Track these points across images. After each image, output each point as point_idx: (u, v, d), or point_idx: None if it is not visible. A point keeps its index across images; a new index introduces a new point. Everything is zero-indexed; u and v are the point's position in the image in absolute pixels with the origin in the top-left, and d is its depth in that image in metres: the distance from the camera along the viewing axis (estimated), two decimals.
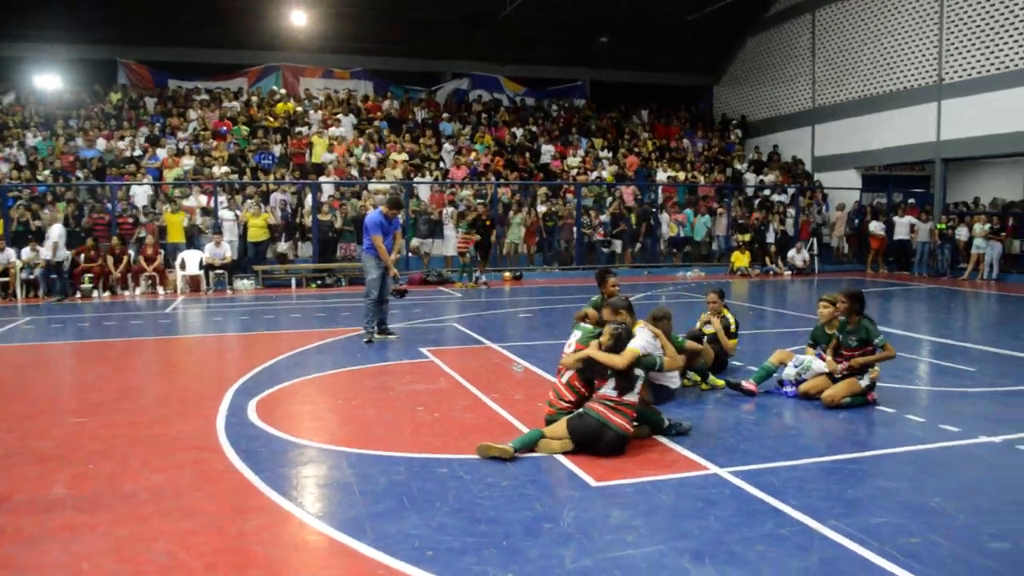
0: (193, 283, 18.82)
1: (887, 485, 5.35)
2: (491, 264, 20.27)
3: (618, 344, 6.07)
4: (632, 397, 6.00)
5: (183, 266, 18.81)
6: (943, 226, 22.76)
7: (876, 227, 23.95)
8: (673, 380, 7.12)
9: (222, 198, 20.68)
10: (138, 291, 18.28)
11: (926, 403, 7.67)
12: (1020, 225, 22.17)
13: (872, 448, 6.19)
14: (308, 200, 21.29)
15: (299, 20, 26.39)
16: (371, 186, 22.44)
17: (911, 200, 25.45)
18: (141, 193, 20.75)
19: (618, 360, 5.95)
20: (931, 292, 18.60)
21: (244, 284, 19.25)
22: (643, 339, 6.24)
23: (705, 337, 9.00)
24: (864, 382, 7.47)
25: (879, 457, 5.97)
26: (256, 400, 7.64)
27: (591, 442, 5.82)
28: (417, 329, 12.38)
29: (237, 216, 20.26)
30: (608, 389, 5.97)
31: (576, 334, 6.92)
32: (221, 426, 6.75)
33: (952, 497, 5.14)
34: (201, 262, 18.88)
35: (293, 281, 19.71)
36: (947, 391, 8.20)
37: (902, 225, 23.66)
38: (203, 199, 20.68)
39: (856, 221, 25.36)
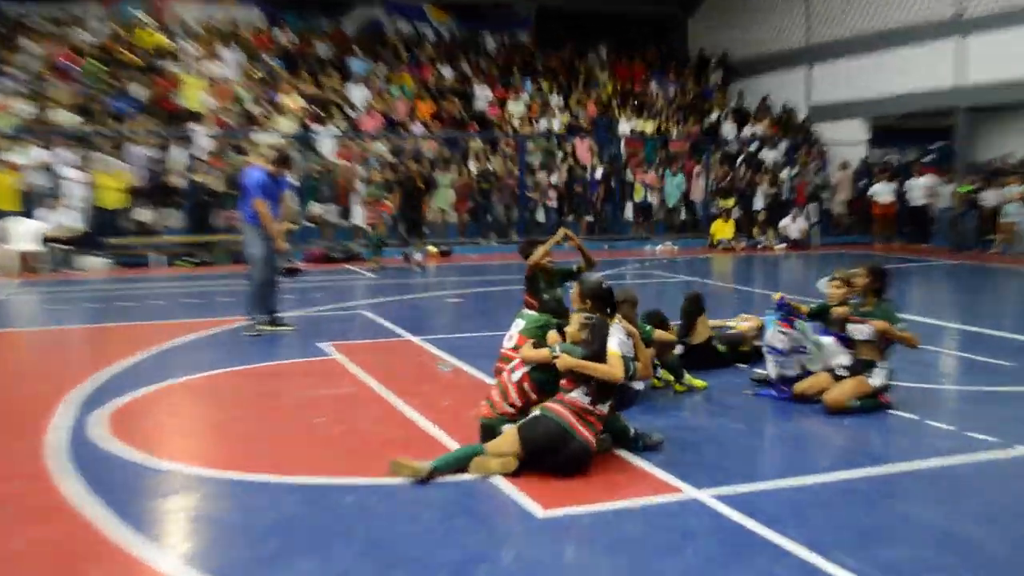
0: (28, 261, 18.29)
1: (907, 510, 5.36)
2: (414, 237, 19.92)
3: (595, 338, 5.96)
4: (604, 407, 5.95)
5: (13, 239, 18.28)
6: (968, 188, 23.16)
7: (882, 190, 24.26)
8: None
9: (67, 153, 20.11)
10: None
11: (953, 406, 7.76)
12: None
13: (887, 463, 6.20)
14: (179, 156, 20.76)
15: None
16: (258, 138, 22.04)
17: (929, 157, 25.83)
18: None
19: (616, 372, 5.89)
20: (954, 270, 18.97)
21: (95, 262, 18.82)
22: (618, 338, 6.14)
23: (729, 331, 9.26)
24: (876, 380, 7.48)
25: (896, 475, 5.98)
26: (107, 412, 7.43)
27: (548, 454, 5.72)
28: (318, 318, 12.27)
29: (86, 176, 19.71)
30: (578, 394, 5.88)
31: (518, 323, 6.80)
32: (58, 447, 6.52)
33: (988, 524, 5.15)
34: (39, 235, 18.36)
35: (158, 258, 19.35)
36: (978, 391, 8.29)
37: (918, 188, 24.06)
38: (42, 154, 20.07)
39: (863, 183, 25.76)
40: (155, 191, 20.71)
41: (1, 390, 8.49)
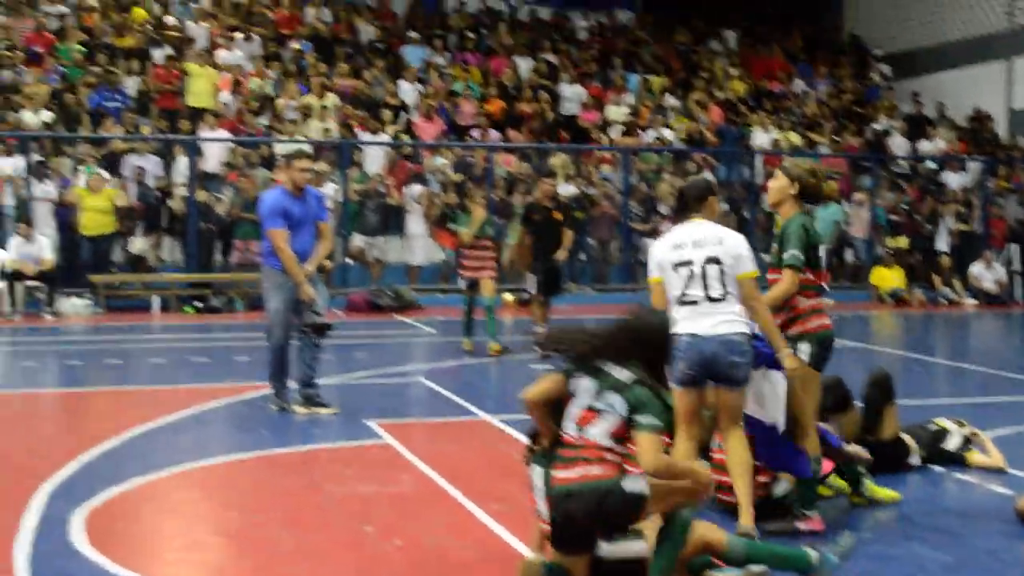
0: None
1: None
2: None
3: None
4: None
5: None
6: None
7: None
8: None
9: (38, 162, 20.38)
10: None
11: None
12: None
13: None
14: (182, 168, 20.91)
15: None
16: (281, 149, 22.06)
17: None
18: None
19: None
20: None
21: (75, 306, 19.08)
22: None
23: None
24: None
25: None
26: (87, 509, 7.39)
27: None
28: (362, 388, 12.28)
29: (63, 193, 19.94)
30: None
31: (584, 387, 6.15)
32: (23, 555, 6.46)
33: None
34: (2, 268, 18.53)
35: (155, 301, 19.59)
36: None
37: None
38: (6, 164, 20.34)
39: None
40: (152, 214, 20.91)
41: None
